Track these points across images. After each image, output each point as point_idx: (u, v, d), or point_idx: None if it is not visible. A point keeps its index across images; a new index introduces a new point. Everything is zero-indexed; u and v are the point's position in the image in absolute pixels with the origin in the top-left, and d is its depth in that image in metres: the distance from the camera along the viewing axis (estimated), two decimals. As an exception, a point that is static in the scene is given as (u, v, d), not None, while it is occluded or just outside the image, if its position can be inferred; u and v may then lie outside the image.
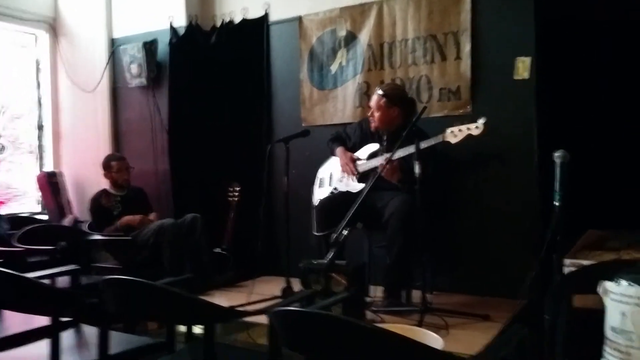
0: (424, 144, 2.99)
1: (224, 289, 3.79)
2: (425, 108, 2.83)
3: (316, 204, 3.38)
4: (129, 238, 3.59)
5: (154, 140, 4.47)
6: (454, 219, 3.58)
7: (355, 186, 3.33)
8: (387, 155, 3.04)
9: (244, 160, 4.26)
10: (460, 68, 3.46)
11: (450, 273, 3.56)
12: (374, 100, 3.26)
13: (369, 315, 2.91)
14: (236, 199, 4.21)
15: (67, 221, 4.60)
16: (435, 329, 2.67)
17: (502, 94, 3.38)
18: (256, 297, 3.37)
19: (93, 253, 4.17)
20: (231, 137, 4.34)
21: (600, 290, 1.61)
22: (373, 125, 3.28)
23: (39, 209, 5.02)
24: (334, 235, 2.67)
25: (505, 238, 3.39)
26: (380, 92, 3.24)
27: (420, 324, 2.63)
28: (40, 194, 4.93)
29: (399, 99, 3.26)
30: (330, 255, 2.66)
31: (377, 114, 3.23)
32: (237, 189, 4.22)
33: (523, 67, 3.27)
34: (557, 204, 1.98)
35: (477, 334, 2.62)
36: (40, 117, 5.09)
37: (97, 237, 3.72)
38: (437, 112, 3.53)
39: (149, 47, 4.34)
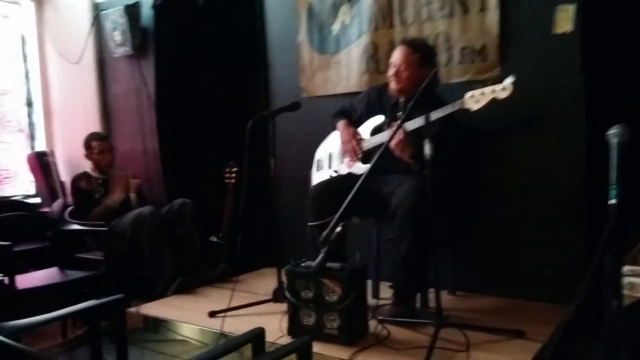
0: (435, 114, 2.43)
1: (215, 285, 3.35)
2: (436, 71, 2.25)
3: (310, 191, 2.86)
4: (105, 229, 3.16)
5: (141, 116, 4.01)
6: (482, 205, 3.00)
7: (359, 167, 2.80)
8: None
9: (241, 136, 3.76)
10: (485, 22, 2.83)
11: (478, 270, 3.01)
12: (400, 55, 2.62)
13: (372, 326, 2.42)
14: (233, 180, 3.74)
15: (55, 206, 4.23)
16: (452, 351, 2.15)
17: (538, 53, 2.75)
18: (244, 297, 2.93)
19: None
20: (226, 111, 3.85)
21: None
22: (396, 87, 2.66)
23: (32, 191, 4.67)
24: (324, 233, 2.16)
25: (545, 230, 2.80)
26: (412, 46, 2.62)
27: (433, 342, 2.11)
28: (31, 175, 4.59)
29: (433, 58, 2.68)
30: (320, 257, 2.16)
31: (405, 73, 2.61)
32: (235, 169, 3.74)
33: (565, 18, 2.63)
34: (613, 201, 1.40)
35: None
36: (28, 92, 4.69)
37: (74, 227, 3.31)
38: (458, 77, 2.93)
39: (132, 11, 3.83)
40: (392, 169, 2.65)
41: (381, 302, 2.79)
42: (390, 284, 2.67)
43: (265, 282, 3.28)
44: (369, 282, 2.87)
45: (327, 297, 2.26)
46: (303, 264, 2.36)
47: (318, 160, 3.04)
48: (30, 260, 3.64)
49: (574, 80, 2.63)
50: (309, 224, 2.66)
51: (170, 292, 3.16)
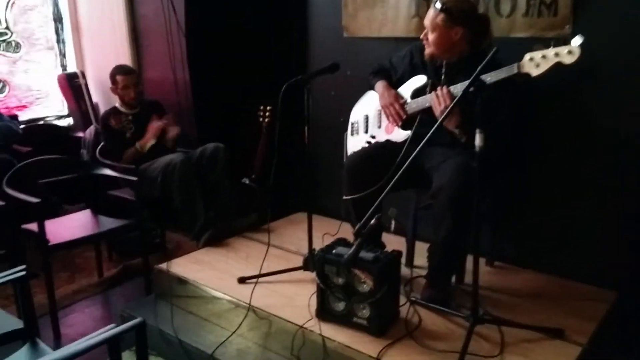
0: (487, 78, 2.14)
1: (247, 236, 3.29)
2: (496, 50, 1.94)
3: (345, 161, 2.66)
4: (135, 179, 3.07)
5: (171, 43, 3.75)
6: (532, 175, 2.76)
7: (399, 134, 2.57)
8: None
9: (276, 73, 3.51)
10: (561, -32, 2.42)
11: (520, 241, 2.84)
12: (429, 16, 2.36)
13: (404, 310, 2.33)
14: (267, 119, 3.56)
15: (88, 133, 4.16)
16: (484, 357, 2.05)
17: (621, 9, 2.35)
18: (275, 255, 2.88)
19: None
20: (261, 44, 3.56)
21: None
22: (427, 50, 2.42)
23: (64, 111, 4.60)
24: (358, 226, 2.02)
25: (599, 206, 2.58)
26: (438, 5, 2.32)
27: (465, 346, 2.01)
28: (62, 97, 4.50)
29: (464, 16, 2.32)
30: (353, 249, 2.03)
31: (432, 36, 2.36)
32: (269, 108, 3.55)
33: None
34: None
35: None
36: (56, 7, 4.46)
37: (105, 172, 3.24)
38: (521, 32, 2.57)
39: None
40: (436, 140, 2.41)
41: (415, 271, 2.69)
42: (426, 247, 2.54)
43: (297, 233, 3.20)
44: (404, 247, 2.77)
45: (358, 287, 2.16)
46: (334, 251, 2.24)
47: (353, 123, 2.80)
48: (61, 193, 3.65)
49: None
50: (344, 197, 2.51)
51: (201, 244, 3.13)
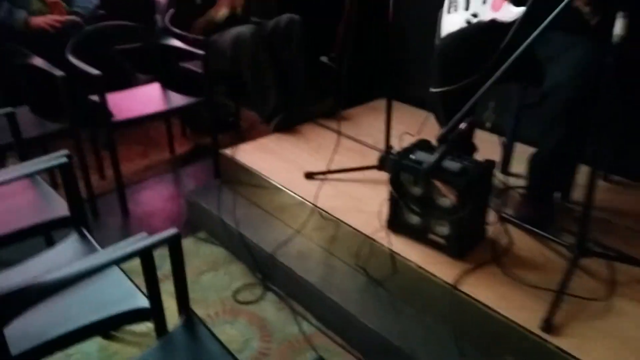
0: None
1: (320, 122, 2.97)
2: None
3: (437, 44, 2.18)
4: (204, 53, 2.77)
5: None
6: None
7: (509, 11, 2.04)
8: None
9: None
10: None
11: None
12: None
13: (491, 228, 1.98)
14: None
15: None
16: (586, 300, 1.69)
17: None
18: (348, 148, 2.59)
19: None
20: None
21: None
22: None
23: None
24: (443, 131, 1.65)
25: None
26: None
27: (568, 275, 1.66)
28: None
29: None
30: (436, 156, 1.68)
31: None
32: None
33: None
34: None
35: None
36: None
37: (173, 42, 2.98)
38: None
39: None
40: (556, 21, 1.88)
41: (511, 180, 2.31)
42: (528, 150, 2.12)
43: (376, 123, 2.85)
44: (500, 149, 2.38)
45: (437, 201, 1.83)
46: (413, 155, 1.88)
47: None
48: (135, 62, 3.46)
49: None
50: (432, 89, 2.09)
51: (272, 128, 2.88)
